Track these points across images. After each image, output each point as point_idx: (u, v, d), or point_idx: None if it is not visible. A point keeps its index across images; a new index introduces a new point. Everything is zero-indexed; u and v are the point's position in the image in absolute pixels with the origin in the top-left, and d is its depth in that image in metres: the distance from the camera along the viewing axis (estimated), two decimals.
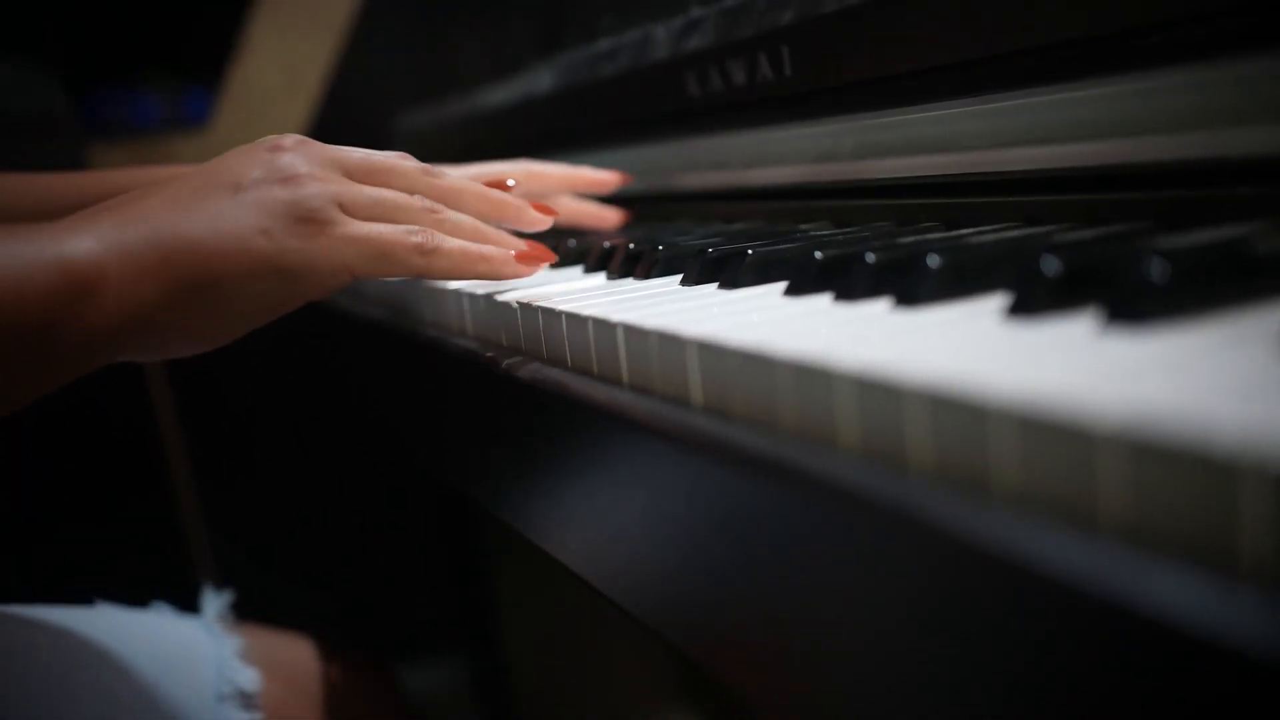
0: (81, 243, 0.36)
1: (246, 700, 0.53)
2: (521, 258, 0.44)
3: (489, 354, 0.46)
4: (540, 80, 0.78)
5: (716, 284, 0.42)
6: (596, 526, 0.38)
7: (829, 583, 0.26)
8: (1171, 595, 0.17)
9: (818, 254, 0.37)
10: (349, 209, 0.41)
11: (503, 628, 1.13)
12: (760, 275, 0.41)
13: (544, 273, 0.57)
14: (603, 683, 1.08)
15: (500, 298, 0.47)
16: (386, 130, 1.13)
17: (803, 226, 0.52)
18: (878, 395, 0.25)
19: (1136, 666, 0.18)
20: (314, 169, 0.41)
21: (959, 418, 0.22)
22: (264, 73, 1.15)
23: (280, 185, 0.40)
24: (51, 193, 0.55)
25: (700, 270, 0.44)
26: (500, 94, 0.86)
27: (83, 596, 0.57)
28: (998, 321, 0.28)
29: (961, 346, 0.26)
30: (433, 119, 1.02)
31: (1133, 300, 0.25)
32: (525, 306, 0.44)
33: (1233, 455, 0.17)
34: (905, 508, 0.22)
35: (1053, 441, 0.20)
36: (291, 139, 0.43)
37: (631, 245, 0.50)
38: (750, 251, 0.41)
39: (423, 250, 0.41)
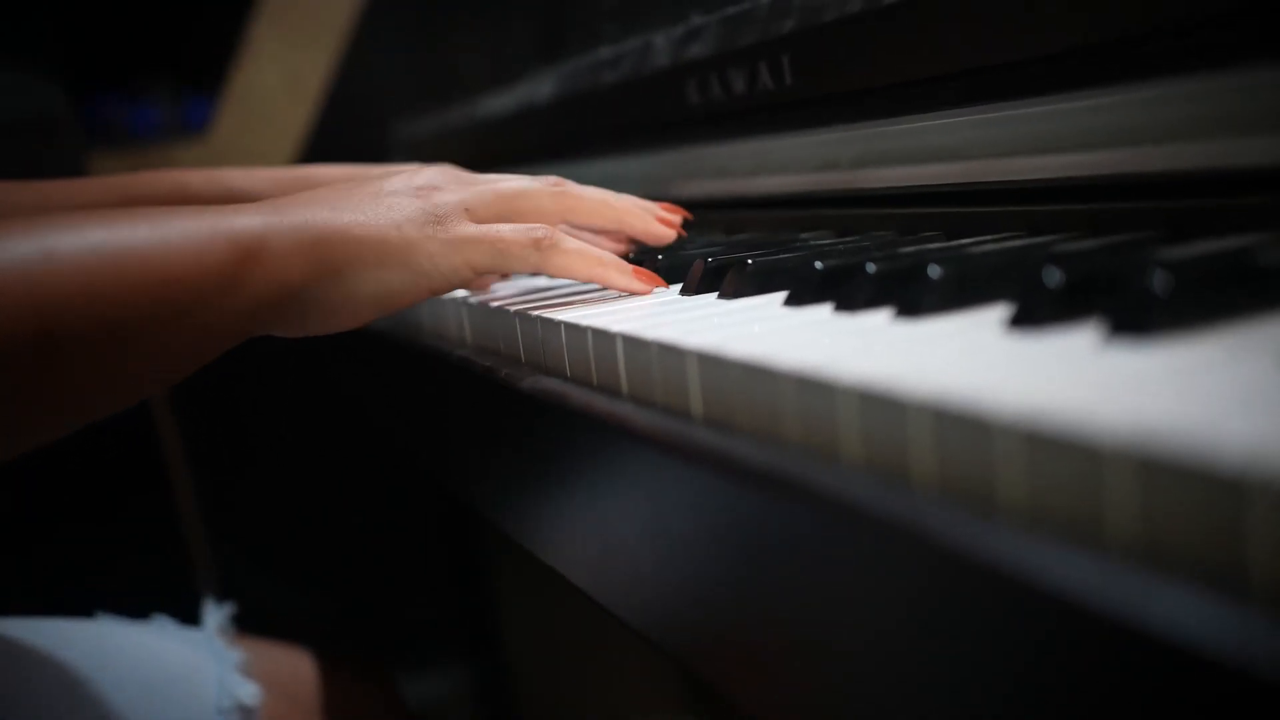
0: (248, 219, 0.40)
1: (247, 714, 0.53)
2: (638, 274, 0.46)
3: (486, 364, 0.46)
4: (541, 88, 0.78)
5: (716, 293, 0.42)
6: (596, 538, 0.38)
7: (831, 596, 0.25)
8: (1180, 613, 0.17)
9: (818, 264, 0.37)
10: (478, 214, 0.45)
11: (503, 632, 1.12)
12: (761, 285, 0.41)
13: (543, 282, 0.57)
14: (605, 688, 1.08)
15: (498, 306, 0.47)
16: (387, 137, 1.14)
17: (803, 236, 0.52)
18: (880, 408, 0.24)
19: (1144, 685, 0.17)
20: (447, 184, 0.46)
21: (962, 431, 0.22)
22: (264, 79, 1.15)
23: (415, 195, 0.44)
24: (49, 200, 0.55)
25: (700, 280, 0.43)
26: (501, 101, 0.86)
27: (82, 601, 0.57)
28: (1000, 333, 0.27)
29: (964, 358, 0.26)
30: (433, 126, 1.02)
31: (1136, 312, 0.24)
32: (523, 316, 0.44)
33: (1240, 470, 0.17)
34: (909, 522, 0.22)
35: (1057, 455, 0.20)
36: (434, 167, 0.48)
37: (630, 255, 0.50)
38: (750, 261, 0.41)
39: (540, 246, 0.44)
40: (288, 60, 1.15)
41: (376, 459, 1.17)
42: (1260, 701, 0.16)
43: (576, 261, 0.44)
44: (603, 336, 0.37)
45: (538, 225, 0.44)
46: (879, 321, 0.32)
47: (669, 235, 0.50)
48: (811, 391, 0.27)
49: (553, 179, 0.48)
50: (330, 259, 0.42)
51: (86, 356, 0.35)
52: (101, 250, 0.35)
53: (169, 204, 0.55)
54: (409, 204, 0.44)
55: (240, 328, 0.41)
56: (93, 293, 0.35)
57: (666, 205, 0.50)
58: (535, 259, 0.44)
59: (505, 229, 0.44)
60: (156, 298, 0.37)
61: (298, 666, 0.60)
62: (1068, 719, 0.19)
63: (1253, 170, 0.32)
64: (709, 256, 0.44)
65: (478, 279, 0.45)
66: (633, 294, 0.45)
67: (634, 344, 0.35)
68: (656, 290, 0.46)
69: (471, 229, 0.44)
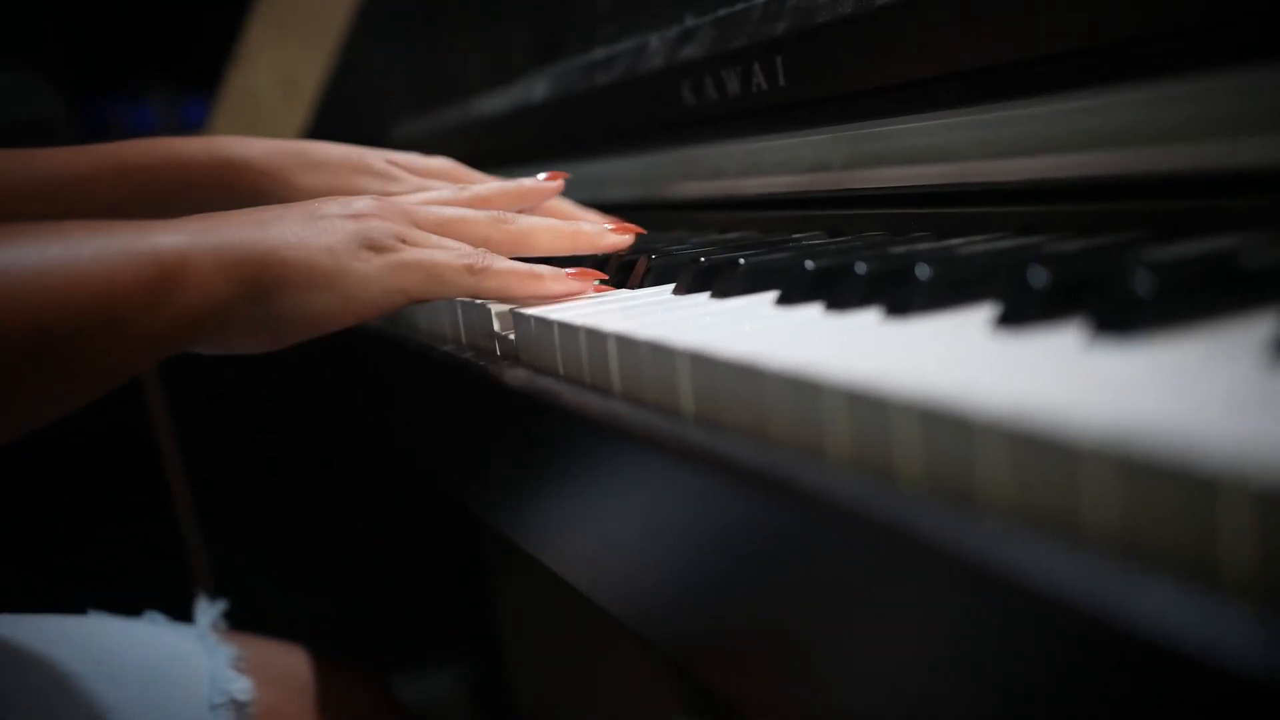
0: (170, 237, 0.39)
1: (240, 709, 0.53)
2: (578, 274, 0.46)
3: (481, 363, 0.46)
4: (536, 89, 0.79)
5: (709, 293, 0.42)
6: (588, 536, 0.38)
7: (818, 593, 0.26)
8: (1156, 610, 0.17)
9: (809, 264, 0.37)
10: (412, 241, 0.44)
11: (502, 632, 1.13)
12: (752, 285, 0.41)
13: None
14: (603, 688, 1.08)
15: (492, 306, 0.47)
16: (383, 137, 1.14)
17: (795, 236, 0.52)
18: (866, 407, 0.25)
19: (1120, 679, 0.18)
20: (383, 211, 0.45)
21: (946, 430, 0.22)
22: (261, 80, 1.15)
23: (350, 219, 0.44)
24: (35, 168, 0.54)
25: (693, 280, 0.44)
26: (496, 102, 0.86)
27: (79, 603, 0.57)
28: (987, 333, 0.28)
29: (950, 358, 0.26)
30: (429, 127, 1.02)
31: (1120, 312, 0.25)
32: (518, 315, 0.44)
33: (1217, 469, 0.17)
34: (893, 520, 0.22)
35: (1039, 455, 0.20)
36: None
37: (624, 254, 0.50)
38: (742, 261, 0.41)
39: (473, 270, 0.44)
40: (284, 61, 1.16)
41: (374, 458, 1.17)
42: (1232, 693, 0.16)
43: (512, 281, 0.44)
44: (595, 336, 0.37)
45: (471, 250, 0.44)
46: (868, 321, 0.32)
47: (625, 241, 0.49)
48: (799, 391, 0.27)
49: (495, 219, 0.47)
50: (256, 279, 0.41)
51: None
52: (6, 270, 0.35)
53: (164, 172, 0.54)
54: (342, 226, 0.43)
55: (161, 346, 0.40)
56: None
57: (617, 223, 0.50)
58: (470, 283, 0.44)
59: (439, 255, 0.44)
60: (65, 318, 0.36)
61: (292, 663, 0.61)
62: (1048, 711, 0.19)
63: (1238, 172, 0.32)
64: (701, 256, 0.44)
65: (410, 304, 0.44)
66: (576, 295, 0.45)
67: (626, 343, 0.35)
68: (650, 289, 0.46)
69: (406, 254, 0.43)
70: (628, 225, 0.50)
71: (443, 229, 0.46)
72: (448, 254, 0.44)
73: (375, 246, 0.43)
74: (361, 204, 0.45)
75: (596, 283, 0.47)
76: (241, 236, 0.41)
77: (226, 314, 0.41)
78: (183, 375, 1.11)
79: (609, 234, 0.48)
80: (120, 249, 0.38)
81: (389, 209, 0.45)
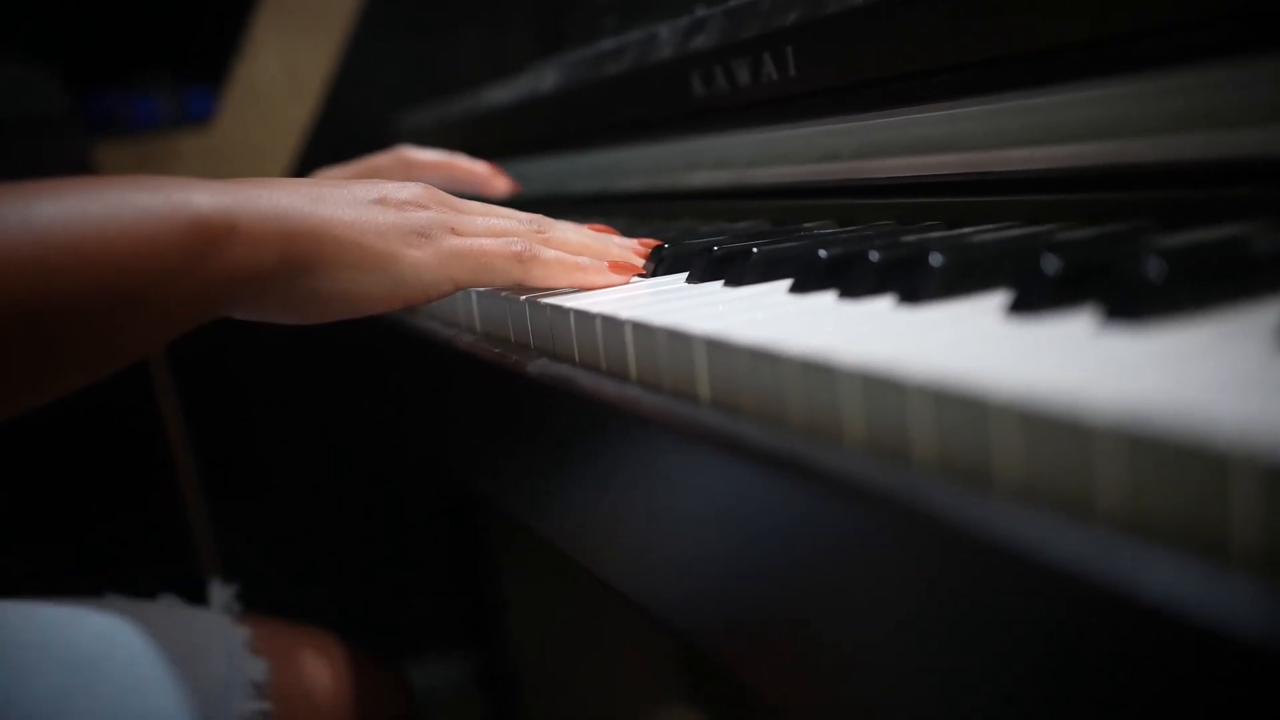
0: (217, 198, 0.39)
1: (256, 689, 0.53)
2: (614, 267, 0.47)
3: (497, 350, 0.47)
4: (544, 79, 0.79)
5: (722, 281, 0.43)
6: (604, 521, 0.39)
7: (835, 574, 0.26)
8: (1166, 584, 0.18)
9: (822, 252, 0.38)
10: (460, 230, 0.45)
11: (510, 622, 1.13)
12: (765, 273, 0.41)
13: None
14: (609, 674, 1.09)
15: (507, 294, 0.48)
16: (388, 129, 1.14)
17: (807, 225, 0.53)
18: (882, 391, 0.25)
19: (1132, 652, 0.18)
20: (433, 201, 0.46)
21: (961, 413, 0.23)
22: (266, 71, 1.16)
23: (402, 205, 0.44)
24: None
25: (706, 268, 0.44)
26: (503, 93, 0.87)
27: (90, 591, 0.57)
28: (999, 319, 0.28)
29: (963, 343, 0.26)
30: (435, 118, 1.03)
31: (1130, 298, 0.25)
32: (533, 303, 0.45)
33: (1225, 448, 0.18)
34: (910, 501, 0.23)
35: (1052, 436, 0.21)
36: (418, 184, 0.47)
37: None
38: (755, 249, 0.42)
39: (521, 259, 0.45)
40: (289, 52, 1.16)
41: (382, 445, 1.18)
42: (1239, 663, 0.16)
43: (556, 271, 0.45)
44: (611, 323, 0.38)
45: (517, 240, 0.45)
46: (881, 308, 0.32)
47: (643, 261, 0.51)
48: (815, 375, 0.27)
49: (535, 220, 0.48)
50: (305, 253, 0.41)
51: (27, 336, 0.34)
52: (47, 227, 0.34)
53: None
54: (392, 215, 0.43)
55: (199, 309, 0.39)
56: (31, 272, 0.34)
57: (644, 241, 0.51)
58: (518, 272, 0.45)
59: (487, 243, 0.45)
60: (103, 280, 0.35)
61: (306, 645, 0.61)
62: (1061, 683, 0.20)
63: (1245, 161, 0.33)
64: (715, 245, 0.45)
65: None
66: (615, 286, 0.46)
67: (642, 330, 0.36)
68: (664, 278, 0.47)
69: (456, 242, 0.44)
70: (649, 241, 0.51)
71: (487, 231, 0.47)
72: (495, 243, 0.45)
73: (426, 234, 0.43)
74: (412, 191, 0.45)
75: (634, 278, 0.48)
76: (295, 207, 0.41)
77: (269, 283, 0.40)
78: (192, 361, 1.11)
79: (633, 255, 0.49)
80: (165, 209, 0.37)
81: (438, 199, 0.46)
